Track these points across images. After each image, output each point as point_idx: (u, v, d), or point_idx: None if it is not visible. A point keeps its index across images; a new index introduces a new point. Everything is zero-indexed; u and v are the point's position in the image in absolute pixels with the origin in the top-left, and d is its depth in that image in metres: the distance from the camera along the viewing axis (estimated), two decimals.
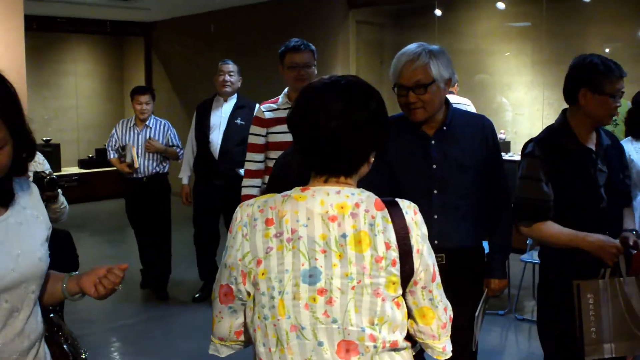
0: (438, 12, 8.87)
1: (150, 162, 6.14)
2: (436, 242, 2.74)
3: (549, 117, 8.09)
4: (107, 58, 13.48)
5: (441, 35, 8.83)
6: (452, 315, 1.89)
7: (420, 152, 2.87)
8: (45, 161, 3.79)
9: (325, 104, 1.73)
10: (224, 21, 10.67)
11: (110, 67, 13.48)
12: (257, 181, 4.30)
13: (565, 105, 3.02)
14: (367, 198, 1.75)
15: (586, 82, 2.84)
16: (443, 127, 2.89)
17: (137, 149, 6.12)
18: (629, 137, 4.43)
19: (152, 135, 6.16)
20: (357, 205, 1.72)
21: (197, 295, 6.09)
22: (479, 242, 3.02)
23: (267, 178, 4.23)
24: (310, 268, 1.69)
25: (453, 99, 4.71)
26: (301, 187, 1.79)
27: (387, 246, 1.70)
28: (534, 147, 2.95)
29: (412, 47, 2.82)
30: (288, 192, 1.78)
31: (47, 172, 3.56)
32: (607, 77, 2.81)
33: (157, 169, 6.17)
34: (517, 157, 7.76)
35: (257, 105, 4.91)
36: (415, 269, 1.74)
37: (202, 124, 5.88)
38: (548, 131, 3.04)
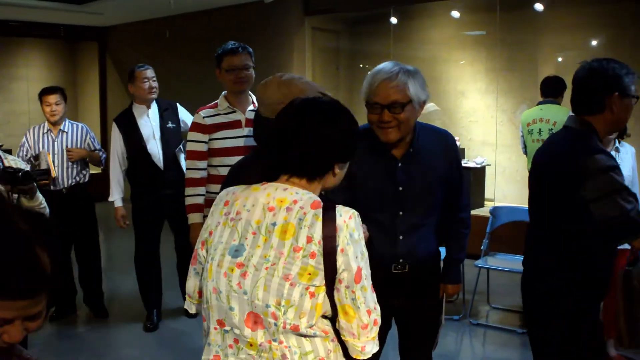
0: (394, 20, 8.92)
1: (70, 171, 5.58)
2: (401, 260, 2.87)
3: (503, 124, 8.21)
4: (60, 63, 13.29)
5: (396, 43, 8.89)
6: (377, 319, 1.97)
7: (387, 174, 2.83)
8: (18, 160, 3.73)
9: (302, 116, 1.99)
10: (179, 27, 10.59)
11: (63, 71, 13.27)
12: (201, 189, 4.19)
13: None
14: (308, 198, 1.94)
15: (616, 86, 2.68)
16: (410, 149, 2.85)
17: (53, 157, 5.51)
18: None
19: (69, 140, 5.62)
20: (294, 201, 1.93)
21: (149, 325, 5.51)
22: (438, 249, 3.09)
23: (211, 186, 4.13)
24: (238, 244, 1.94)
25: None
26: (262, 182, 2.02)
27: (309, 239, 1.86)
28: (607, 157, 2.63)
29: (388, 65, 2.75)
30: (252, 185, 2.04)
31: (22, 167, 3.55)
32: (632, 79, 2.70)
33: (78, 178, 5.62)
34: (472, 164, 7.89)
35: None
36: (337, 267, 1.87)
37: (132, 138, 5.35)
38: (584, 139, 2.74)
